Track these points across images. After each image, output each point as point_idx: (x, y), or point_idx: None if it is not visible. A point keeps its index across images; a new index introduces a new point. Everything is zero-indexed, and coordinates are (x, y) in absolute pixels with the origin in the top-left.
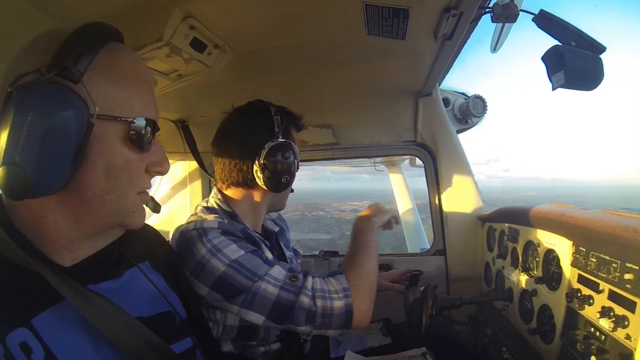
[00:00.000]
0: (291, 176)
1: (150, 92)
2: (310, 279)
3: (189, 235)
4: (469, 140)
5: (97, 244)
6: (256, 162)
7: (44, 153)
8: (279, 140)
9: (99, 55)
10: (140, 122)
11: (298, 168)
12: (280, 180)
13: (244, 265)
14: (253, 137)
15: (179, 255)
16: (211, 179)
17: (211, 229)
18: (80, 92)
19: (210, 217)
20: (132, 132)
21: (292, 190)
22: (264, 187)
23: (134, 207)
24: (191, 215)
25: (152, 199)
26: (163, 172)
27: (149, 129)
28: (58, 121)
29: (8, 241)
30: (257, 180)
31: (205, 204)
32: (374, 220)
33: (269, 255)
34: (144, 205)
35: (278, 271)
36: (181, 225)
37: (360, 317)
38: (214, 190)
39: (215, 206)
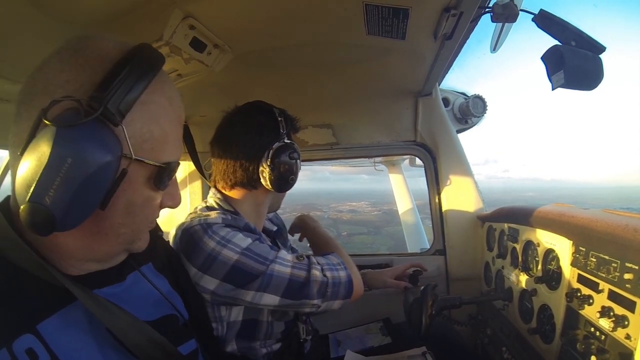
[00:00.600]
0: (296, 176)
1: (181, 128)
2: (312, 257)
3: (193, 230)
4: (466, 140)
5: (104, 265)
6: (263, 163)
7: (76, 198)
8: (285, 141)
9: (142, 90)
10: (169, 167)
11: (300, 168)
12: (287, 181)
13: (254, 252)
14: (260, 138)
15: (184, 251)
16: (207, 181)
17: (215, 223)
18: (120, 135)
19: (213, 213)
20: (157, 175)
21: None
22: (269, 187)
23: (142, 234)
24: (190, 214)
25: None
26: (174, 207)
27: (173, 171)
28: (97, 170)
29: (18, 241)
30: (261, 180)
31: (204, 204)
32: (317, 221)
33: None
34: None
35: (285, 253)
36: (183, 223)
37: (357, 286)
38: (212, 190)
39: (215, 205)
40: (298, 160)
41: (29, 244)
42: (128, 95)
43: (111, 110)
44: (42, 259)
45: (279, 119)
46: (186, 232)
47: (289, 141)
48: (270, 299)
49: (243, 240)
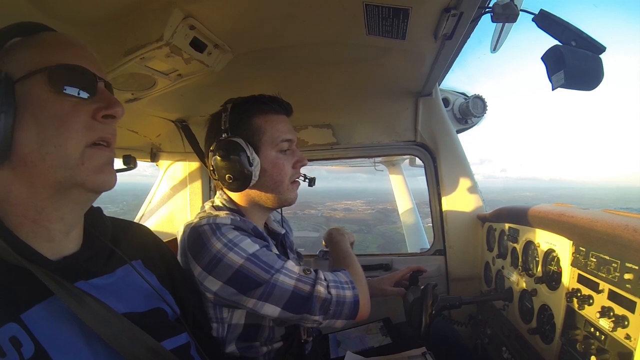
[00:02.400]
0: (237, 174)
1: (77, 50)
2: (320, 272)
3: (202, 230)
4: (461, 140)
5: (64, 214)
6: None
7: None
8: (221, 138)
9: (21, 40)
10: (61, 67)
11: (252, 163)
12: (225, 179)
13: (260, 259)
14: (207, 141)
15: (191, 250)
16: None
17: (224, 224)
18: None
19: (222, 213)
20: (53, 78)
21: (311, 184)
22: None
23: (84, 158)
24: (200, 212)
25: (131, 158)
26: (115, 115)
27: (73, 71)
28: None
29: None
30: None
31: (211, 203)
32: (345, 235)
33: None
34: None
35: (292, 265)
36: (191, 222)
37: (363, 307)
38: (219, 192)
39: (221, 205)
40: (237, 157)
41: (10, 232)
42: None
43: None
44: (23, 244)
45: (223, 114)
46: (194, 230)
47: (222, 139)
48: (271, 310)
49: (250, 246)
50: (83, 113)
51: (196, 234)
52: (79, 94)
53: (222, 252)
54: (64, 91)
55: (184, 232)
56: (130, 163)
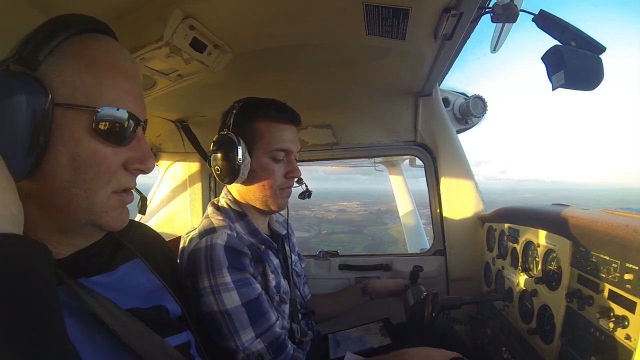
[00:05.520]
0: (224, 167)
1: (129, 82)
2: None
3: (198, 258)
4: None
5: (77, 242)
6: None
7: None
8: (221, 133)
9: (67, 43)
10: (109, 112)
11: (243, 162)
12: (215, 172)
13: (233, 320)
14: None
15: (185, 269)
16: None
17: (219, 246)
18: (40, 79)
19: (222, 223)
20: (99, 122)
21: (307, 197)
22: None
23: (108, 206)
24: (203, 218)
25: (143, 199)
26: (145, 170)
27: (121, 120)
28: (7, 107)
29: None
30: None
31: (216, 203)
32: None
33: (275, 260)
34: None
35: (258, 342)
36: (194, 237)
37: None
38: (224, 190)
39: (226, 206)
40: (229, 153)
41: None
42: (44, 42)
43: (25, 56)
44: None
45: (231, 111)
46: (192, 254)
47: (223, 133)
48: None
49: (231, 302)
50: (115, 161)
51: (194, 258)
52: (119, 143)
53: (206, 291)
54: (104, 137)
55: (186, 246)
56: (143, 212)
